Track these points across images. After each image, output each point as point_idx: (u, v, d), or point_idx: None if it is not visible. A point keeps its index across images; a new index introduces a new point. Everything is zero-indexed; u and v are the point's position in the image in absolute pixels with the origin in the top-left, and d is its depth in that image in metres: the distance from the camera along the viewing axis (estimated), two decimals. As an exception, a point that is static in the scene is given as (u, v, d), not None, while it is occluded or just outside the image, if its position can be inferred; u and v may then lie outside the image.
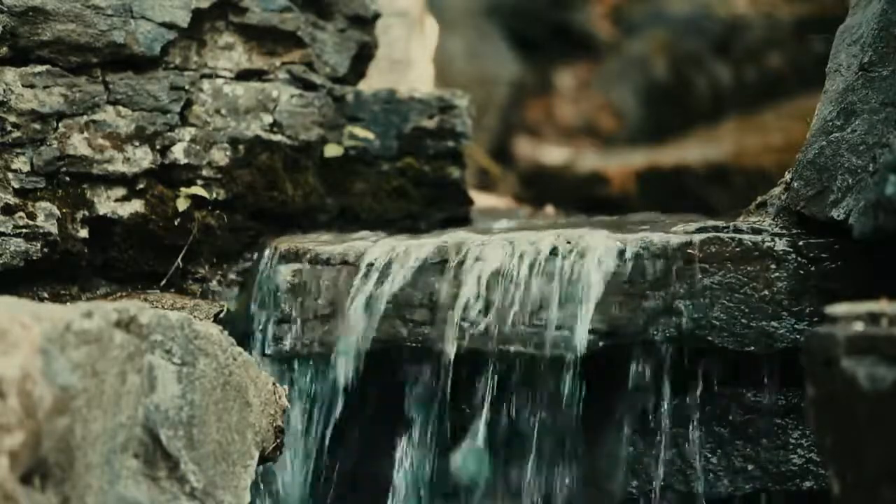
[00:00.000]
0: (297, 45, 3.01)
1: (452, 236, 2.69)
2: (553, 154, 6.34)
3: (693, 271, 2.54)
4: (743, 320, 2.53)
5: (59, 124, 2.72)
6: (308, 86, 3.02)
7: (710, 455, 2.56)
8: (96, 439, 1.88)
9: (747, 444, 2.56)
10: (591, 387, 2.54)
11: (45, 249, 2.68)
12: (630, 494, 2.58)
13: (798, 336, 2.50)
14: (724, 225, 2.63)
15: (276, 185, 2.95)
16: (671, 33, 6.87)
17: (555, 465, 2.57)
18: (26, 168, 2.69)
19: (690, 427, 2.57)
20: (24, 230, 2.66)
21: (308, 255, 2.72)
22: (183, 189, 2.85)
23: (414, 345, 2.59)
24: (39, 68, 2.71)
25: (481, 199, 3.70)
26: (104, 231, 2.79)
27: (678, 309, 2.53)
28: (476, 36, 6.63)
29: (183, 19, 2.83)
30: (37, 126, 2.70)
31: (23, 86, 2.68)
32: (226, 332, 2.16)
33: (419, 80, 4.25)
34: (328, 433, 2.64)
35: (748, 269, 2.55)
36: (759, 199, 2.76)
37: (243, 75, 2.96)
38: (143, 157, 2.81)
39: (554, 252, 2.57)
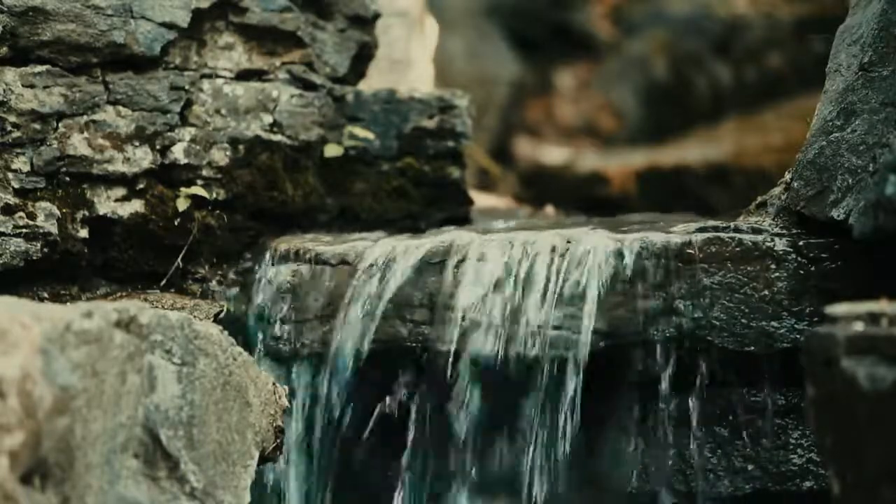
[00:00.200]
0: (297, 45, 3.01)
1: (452, 236, 2.69)
2: (553, 154, 6.34)
3: (693, 271, 2.54)
4: (743, 320, 2.53)
5: (59, 124, 2.72)
6: (308, 86, 3.02)
7: (710, 455, 2.56)
8: (96, 439, 1.88)
9: (747, 444, 2.56)
10: (591, 387, 2.54)
11: (45, 249, 2.68)
12: (630, 494, 2.58)
13: (798, 336, 2.50)
14: (724, 225, 2.63)
15: (276, 185, 2.95)
16: (671, 33, 6.87)
17: (554, 465, 2.57)
18: (26, 168, 2.69)
19: (690, 427, 2.57)
20: (24, 230, 2.66)
21: (308, 256, 2.72)
22: (183, 189, 2.85)
23: (414, 345, 2.59)
24: (39, 68, 2.71)
25: (481, 199, 3.70)
26: (104, 231, 2.79)
27: (678, 309, 2.53)
28: (476, 36, 6.63)
29: (183, 19, 2.83)
30: (37, 126, 2.70)
31: (23, 86, 2.68)
32: (226, 332, 2.16)
33: (419, 80, 4.25)
34: (328, 433, 2.64)
35: (748, 269, 2.55)
36: (759, 199, 2.76)
37: (243, 75, 2.96)
38: (143, 157, 2.80)
39: (554, 252, 2.57)
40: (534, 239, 2.61)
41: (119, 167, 2.78)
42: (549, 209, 4.16)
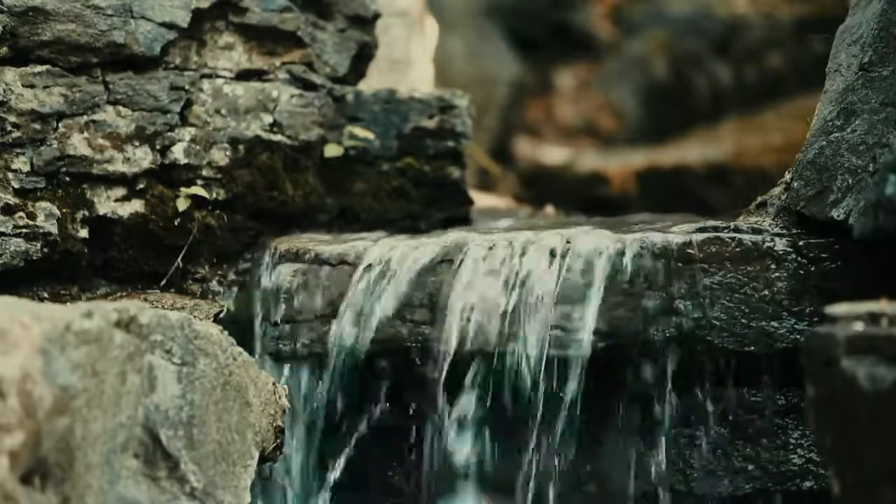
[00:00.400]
0: (297, 45, 3.01)
1: (452, 236, 2.69)
2: (553, 154, 6.34)
3: (693, 271, 2.54)
4: (743, 320, 2.53)
5: (59, 124, 2.72)
6: (308, 86, 3.02)
7: (709, 455, 2.56)
8: (96, 439, 1.88)
9: (747, 444, 2.56)
10: (591, 387, 2.53)
11: (45, 249, 2.68)
12: (630, 494, 2.58)
13: (798, 336, 2.50)
14: (724, 225, 2.63)
15: (276, 185, 2.95)
16: (671, 33, 6.87)
17: (554, 465, 2.57)
18: (26, 168, 2.69)
19: (690, 427, 2.57)
20: (24, 230, 2.66)
21: (308, 255, 2.72)
22: (183, 189, 2.85)
23: (414, 345, 2.59)
24: (39, 68, 2.71)
25: (481, 199, 3.70)
26: (104, 231, 2.79)
27: (678, 309, 2.53)
28: (476, 36, 6.63)
29: (183, 19, 2.83)
30: (37, 126, 2.70)
31: (23, 86, 2.68)
32: (226, 332, 2.16)
33: (419, 80, 4.25)
34: (328, 433, 2.64)
35: (748, 269, 2.55)
36: (759, 199, 2.76)
37: (243, 75, 2.96)
38: (143, 157, 2.80)
39: (554, 252, 2.57)
40: (534, 239, 2.61)
41: (119, 167, 2.78)
42: (549, 209, 4.16)
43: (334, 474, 2.65)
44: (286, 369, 2.68)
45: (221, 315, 2.73)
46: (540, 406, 2.54)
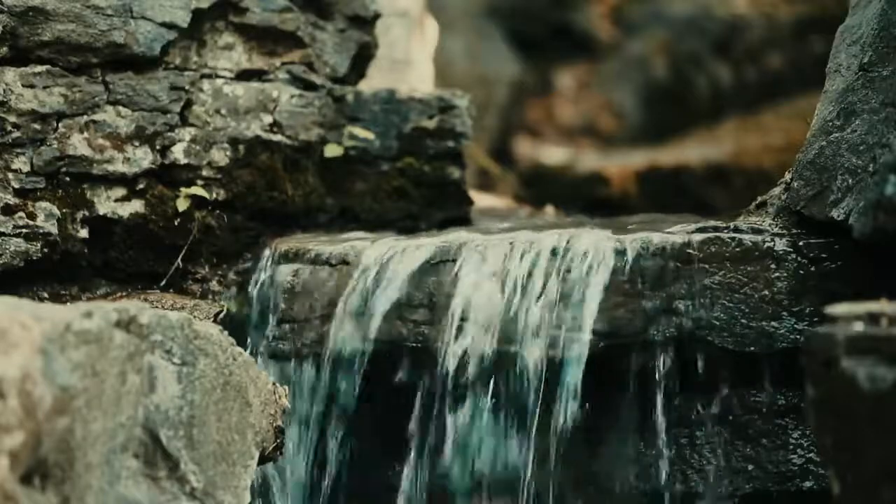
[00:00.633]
0: (297, 45, 3.01)
1: (452, 236, 2.69)
2: (553, 154, 6.33)
3: (693, 271, 2.54)
4: (743, 320, 2.53)
5: (59, 124, 2.72)
6: (308, 86, 3.02)
7: (710, 455, 2.56)
8: (96, 439, 1.88)
9: (747, 444, 2.56)
10: (591, 387, 2.53)
11: (45, 249, 2.68)
12: (630, 494, 2.58)
13: (798, 336, 2.50)
14: (724, 225, 2.63)
15: (276, 185, 2.95)
16: (671, 33, 6.87)
17: (554, 465, 2.57)
18: (26, 168, 2.69)
19: (690, 427, 2.56)
20: (24, 230, 2.66)
21: (308, 255, 2.72)
22: (183, 189, 2.85)
23: (414, 345, 2.59)
24: (39, 68, 2.71)
25: (481, 199, 3.69)
26: (104, 231, 2.79)
27: (678, 309, 2.53)
28: (476, 36, 6.62)
29: (183, 19, 2.83)
30: (37, 126, 2.70)
31: (23, 86, 2.68)
32: (226, 332, 2.16)
33: (419, 80, 4.25)
34: (328, 433, 2.64)
35: (748, 269, 2.55)
36: (759, 199, 2.76)
37: (243, 75, 2.96)
38: (143, 157, 2.81)
39: (554, 252, 2.57)
40: (534, 239, 2.61)
41: (119, 167, 2.78)
42: (549, 209, 4.16)
43: (334, 474, 2.65)
44: (286, 369, 2.68)
45: (221, 315, 2.73)
46: (540, 406, 2.54)
